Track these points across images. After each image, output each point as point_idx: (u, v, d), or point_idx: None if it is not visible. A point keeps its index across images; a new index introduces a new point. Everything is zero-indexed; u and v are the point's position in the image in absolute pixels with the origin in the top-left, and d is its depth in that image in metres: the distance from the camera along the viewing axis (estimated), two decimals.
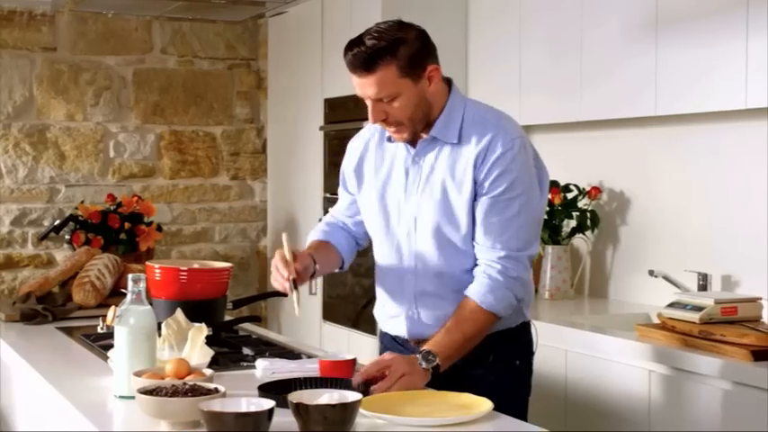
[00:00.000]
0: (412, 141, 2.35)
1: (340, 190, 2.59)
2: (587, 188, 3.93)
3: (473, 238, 2.29)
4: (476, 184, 2.26)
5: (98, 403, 2.14)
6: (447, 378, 2.25)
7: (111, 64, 5.23)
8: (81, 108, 5.16)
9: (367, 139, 2.49)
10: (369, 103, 2.25)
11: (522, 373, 2.45)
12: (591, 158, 3.99)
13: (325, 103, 4.77)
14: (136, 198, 4.97)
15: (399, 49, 2.19)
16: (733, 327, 2.79)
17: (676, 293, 3.19)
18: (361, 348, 4.31)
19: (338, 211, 2.59)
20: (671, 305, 3.00)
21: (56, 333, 3.07)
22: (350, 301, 4.59)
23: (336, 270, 2.59)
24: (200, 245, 5.50)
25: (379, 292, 2.51)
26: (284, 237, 2.34)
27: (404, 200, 2.36)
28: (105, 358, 2.44)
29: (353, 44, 2.21)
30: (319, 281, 4.82)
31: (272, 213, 5.56)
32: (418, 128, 2.30)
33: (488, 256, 2.26)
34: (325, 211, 4.73)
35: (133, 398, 1.97)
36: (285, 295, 3.54)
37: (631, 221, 3.86)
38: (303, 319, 5.04)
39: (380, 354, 2.56)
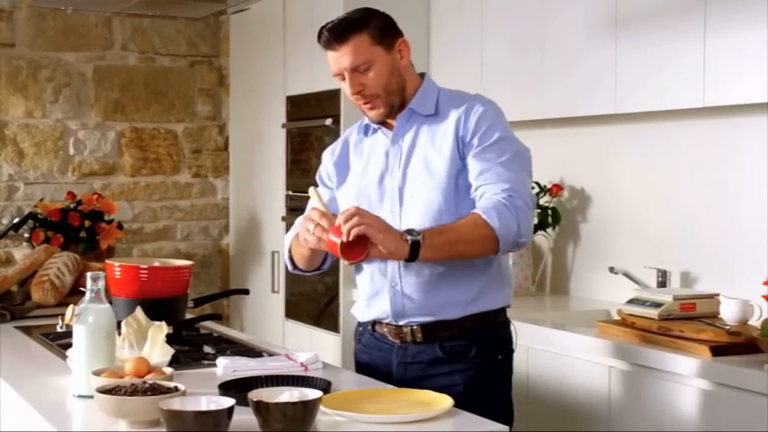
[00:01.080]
0: (386, 125, 2.42)
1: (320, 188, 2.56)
2: (548, 185, 3.95)
3: (456, 197, 2.30)
4: (463, 145, 2.31)
5: (57, 403, 2.12)
6: (426, 372, 2.29)
7: (71, 60, 5.18)
8: (40, 105, 5.11)
9: (346, 136, 2.56)
10: (346, 76, 2.33)
11: (503, 368, 2.44)
12: (552, 156, 4.02)
13: (288, 100, 4.76)
14: (96, 196, 4.93)
15: (369, 22, 2.34)
16: (691, 323, 2.82)
17: (636, 290, 3.23)
18: (323, 346, 4.31)
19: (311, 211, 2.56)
20: (630, 301, 3.02)
21: (14, 332, 3.04)
22: (312, 298, 4.59)
23: (316, 270, 2.54)
24: (162, 243, 5.46)
25: (362, 280, 2.48)
26: (315, 190, 2.31)
27: (386, 177, 2.39)
28: (64, 357, 2.42)
29: (326, 24, 2.35)
30: (282, 279, 4.81)
31: (234, 211, 5.54)
32: (394, 101, 2.37)
33: (492, 189, 2.25)
34: (288, 209, 4.73)
35: (92, 397, 1.95)
36: (246, 292, 3.57)
37: (592, 219, 3.89)
38: (265, 317, 5.03)
39: (354, 355, 2.56)
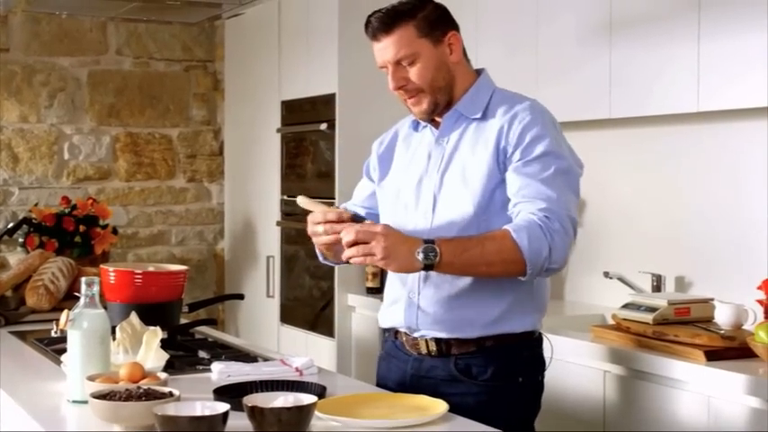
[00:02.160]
0: (434, 122, 2.31)
1: (361, 182, 2.51)
2: None
3: (489, 211, 2.18)
4: (504, 157, 2.17)
5: (51, 408, 2.12)
6: (438, 390, 2.17)
7: (66, 65, 5.18)
8: (35, 110, 5.10)
9: (397, 128, 2.46)
10: (389, 69, 2.22)
11: (525, 392, 2.27)
12: None
13: (283, 105, 4.77)
14: (91, 201, 4.92)
15: (418, 13, 2.21)
16: (686, 327, 2.83)
17: (631, 294, 3.23)
18: (318, 351, 4.31)
19: (354, 203, 2.49)
20: (625, 306, 3.02)
21: (8, 337, 3.03)
22: (308, 303, 4.59)
23: (345, 261, 2.37)
24: (157, 247, 5.46)
25: (388, 284, 2.38)
26: (305, 199, 2.23)
27: (424, 180, 2.28)
28: (59, 362, 2.42)
29: (373, 13, 2.24)
30: (277, 283, 4.81)
31: (229, 216, 5.54)
32: (439, 99, 2.25)
33: (529, 208, 2.10)
34: (283, 214, 4.73)
35: (87, 402, 1.95)
36: (241, 297, 3.57)
37: (587, 223, 3.89)
38: (260, 321, 5.03)
39: (378, 359, 2.46)
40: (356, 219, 2.14)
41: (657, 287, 3.46)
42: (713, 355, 2.63)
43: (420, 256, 2.02)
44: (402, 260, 2.03)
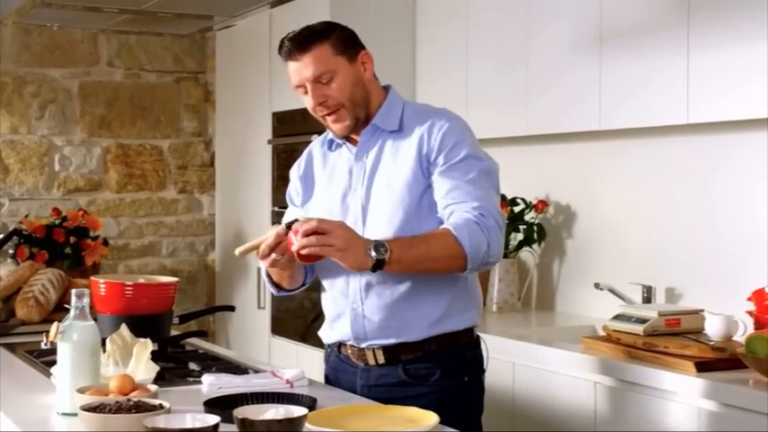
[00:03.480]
0: (350, 140, 2.38)
1: (287, 211, 2.57)
2: (534, 202, 3.96)
3: (419, 216, 2.26)
4: (428, 163, 2.26)
5: (41, 420, 2.11)
6: (391, 396, 2.24)
7: (57, 76, 5.17)
8: (25, 121, 5.10)
9: (310, 149, 2.53)
10: (308, 87, 2.29)
11: (471, 390, 2.38)
12: (537, 172, 4.03)
13: (274, 116, 4.77)
14: (82, 212, 4.92)
15: (330, 33, 2.30)
16: (676, 339, 2.83)
17: (621, 306, 3.23)
18: (309, 362, 4.30)
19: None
20: (616, 317, 3.03)
21: None
22: (298, 315, 4.58)
23: (301, 286, 2.50)
24: (148, 259, 5.45)
25: (325, 301, 2.46)
26: (239, 250, 2.32)
27: (349, 195, 2.35)
28: (48, 375, 2.41)
29: (287, 35, 2.32)
30: (268, 295, 4.80)
31: (220, 227, 5.53)
32: (359, 114, 2.32)
33: (462, 207, 2.20)
34: (274, 225, 4.73)
35: (76, 415, 1.95)
36: (232, 309, 3.56)
37: (577, 235, 3.90)
38: (251, 333, 5.02)
39: (325, 376, 2.54)
40: (290, 226, 2.18)
41: (648, 298, 3.47)
42: (703, 367, 2.63)
43: (372, 253, 2.10)
44: (356, 255, 2.10)
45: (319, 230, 2.08)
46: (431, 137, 2.28)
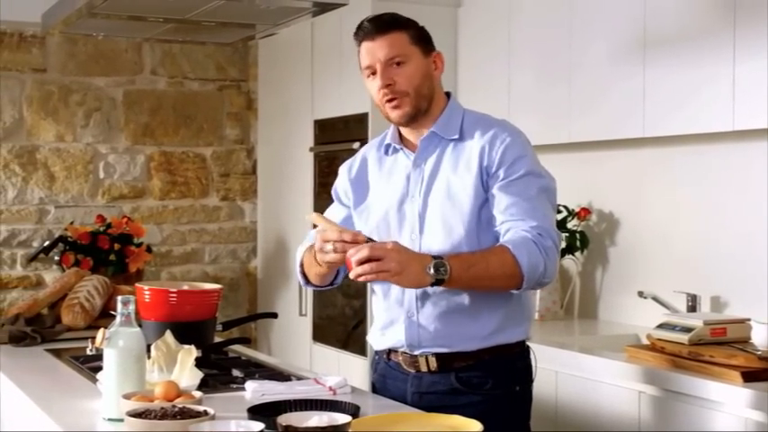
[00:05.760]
0: (410, 146, 2.36)
1: (332, 206, 2.55)
2: (577, 209, 3.94)
3: (478, 229, 2.26)
4: (488, 176, 2.26)
5: (87, 426, 2.13)
6: (442, 403, 2.23)
7: (101, 85, 5.23)
8: (71, 129, 5.16)
9: (365, 153, 2.50)
10: (378, 68, 2.29)
11: (521, 400, 2.37)
12: (580, 180, 4.01)
13: (315, 124, 4.79)
14: (125, 219, 4.97)
15: (411, 24, 2.33)
16: (722, 348, 2.80)
17: (665, 314, 3.20)
18: (350, 369, 4.31)
19: None
20: (660, 326, 3.00)
21: (44, 355, 3.06)
22: (340, 322, 4.59)
23: (328, 285, 2.50)
24: (190, 266, 5.49)
25: (377, 308, 2.44)
26: (319, 216, 2.28)
27: (406, 202, 2.34)
28: (94, 380, 2.43)
29: (367, 17, 2.33)
30: (309, 302, 4.82)
31: (261, 234, 5.56)
32: (421, 105, 2.31)
33: (520, 226, 2.20)
34: None
35: (122, 420, 1.96)
36: (275, 315, 3.57)
37: (620, 242, 3.87)
38: (293, 340, 5.03)
39: (372, 384, 2.53)
40: (370, 242, 2.17)
41: (693, 307, 3.43)
42: (750, 376, 2.60)
43: (431, 272, 2.11)
44: (413, 276, 2.11)
45: (372, 258, 2.08)
46: (492, 150, 2.27)
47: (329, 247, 2.17)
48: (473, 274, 2.15)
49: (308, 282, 2.48)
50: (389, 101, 2.30)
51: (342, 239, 2.15)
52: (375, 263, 2.07)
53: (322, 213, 2.36)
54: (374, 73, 2.30)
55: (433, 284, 2.13)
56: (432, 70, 2.33)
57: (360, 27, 2.33)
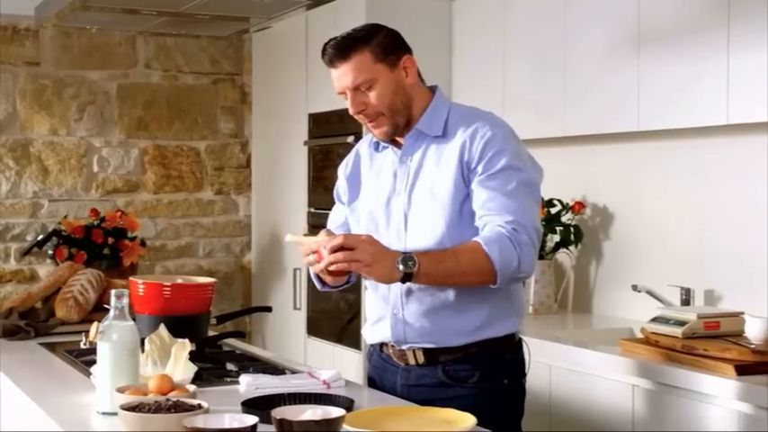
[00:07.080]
0: (396, 142, 2.38)
1: (335, 207, 2.58)
2: (571, 203, 3.94)
3: (460, 224, 2.26)
4: (468, 170, 2.25)
5: (80, 419, 2.13)
6: (430, 396, 2.24)
7: (95, 78, 5.22)
8: (65, 122, 5.15)
9: (358, 149, 2.53)
10: (348, 94, 2.30)
11: (511, 393, 2.37)
12: (574, 173, 4.01)
13: (310, 117, 4.78)
14: (119, 213, 4.96)
15: (372, 38, 2.29)
16: (716, 341, 2.80)
17: (659, 308, 3.21)
18: (345, 363, 4.31)
19: (332, 226, 2.55)
20: (654, 320, 3.01)
21: (38, 349, 3.06)
22: (334, 315, 4.59)
23: (345, 284, 2.50)
24: (185, 260, 5.48)
25: (369, 303, 2.47)
26: (293, 237, 2.31)
27: (393, 199, 2.36)
28: (88, 374, 2.43)
29: (329, 41, 2.32)
30: (304, 296, 4.82)
31: (256, 228, 5.55)
32: (399, 121, 2.32)
33: (496, 221, 2.20)
34: (310, 226, 4.74)
35: (116, 414, 1.96)
36: (269, 309, 3.58)
37: (615, 236, 3.87)
38: (287, 333, 5.03)
39: (369, 376, 2.55)
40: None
41: (686, 301, 3.44)
42: (743, 370, 2.61)
43: (400, 266, 2.13)
44: (384, 269, 2.13)
45: (346, 246, 2.11)
46: (472, 144, 2.26)
47: (312, 257, 2.20)
48: (443, 270, 2.17)
49: (324, 284, 2.49)
50: (368, 122, 2.33)
51: (319, 245, 2.18)
52: (348, 252, 2.11)
53: (317, 209, 2.39)
54: (347, 97, 2.32)
55: (403, 280, 2.15)
56: (402, 80, 2.31)
57: (323, 52, 2.32)
